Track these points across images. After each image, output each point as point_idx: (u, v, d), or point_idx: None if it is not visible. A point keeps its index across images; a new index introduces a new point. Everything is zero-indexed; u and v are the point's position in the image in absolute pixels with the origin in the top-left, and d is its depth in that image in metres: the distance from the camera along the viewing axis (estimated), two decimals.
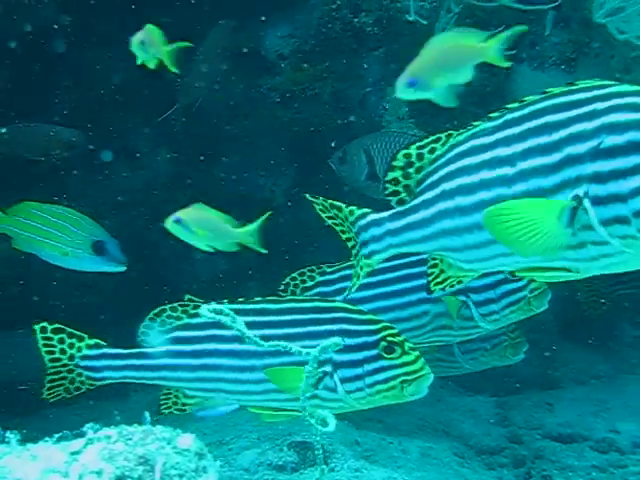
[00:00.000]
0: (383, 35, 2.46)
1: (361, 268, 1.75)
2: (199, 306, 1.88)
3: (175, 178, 2.76)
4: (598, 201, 1.23)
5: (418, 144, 1.59)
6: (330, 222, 1.80)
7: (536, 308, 2.19)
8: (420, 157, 1.58)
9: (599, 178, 1.22)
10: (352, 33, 2.49)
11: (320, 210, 1.81)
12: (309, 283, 2.19)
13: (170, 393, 1.99)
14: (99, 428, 1.01)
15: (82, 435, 1.01)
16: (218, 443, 2.34)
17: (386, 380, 1.84)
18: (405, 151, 1.59)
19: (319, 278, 2.20)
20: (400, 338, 1.85)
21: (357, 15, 2.43)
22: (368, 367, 1.84)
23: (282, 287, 2.17)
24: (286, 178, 3.01)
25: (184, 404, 1.99)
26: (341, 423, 2.53)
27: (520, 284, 2.17)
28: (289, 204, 3.03)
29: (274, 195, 3.04)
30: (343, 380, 1.86)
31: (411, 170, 1.60)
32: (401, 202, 1.62)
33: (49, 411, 2.89)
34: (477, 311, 2.17)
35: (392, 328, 1.88)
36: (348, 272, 2.16)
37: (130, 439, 0.99)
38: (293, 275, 2.19)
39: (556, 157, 1.29)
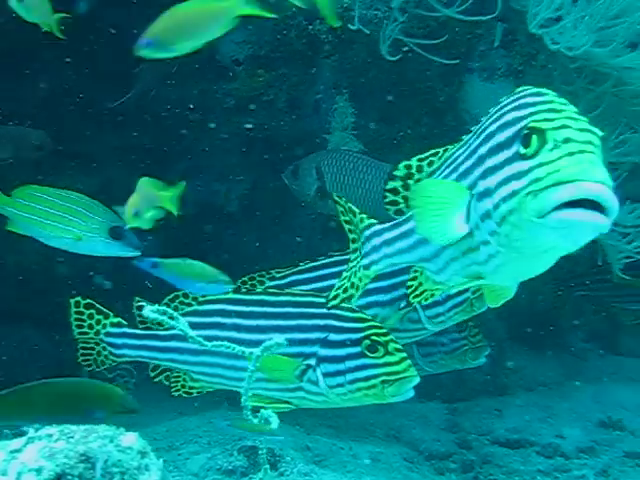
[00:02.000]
0: (338, 43, 2.49)
1: (360, 279, 1.76)
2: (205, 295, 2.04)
3: (127, 182, 2.74)
4: (479, 197, 1.28)
5: (419, 157, 1.64)
6: (347, 227, 1.82)
7: (477, 309, 2.27)
8: (420, 169, 1.63)
9: (484, 175, 1.28)
10: (307, 40, 2.51)
11: (341, 212, 1.82)
12: (258, 288, 2.22)
13: (179, 376, 2.12)
14: (40, 427, 1.00)
15: (23, 434, 1.00)
16: (168, 448, 2.33)
17: (367, 378, 1.88)
18: (406, 162, 1.64)
19: (268, 283, 2.24)
20: (385, 338, 1.90)
21: (312, 22, 2.45)
22: (350, 364, 1.89)
23: (230, 292, 2.21)
24: (241, 184, 3.02)
25: (191, 387, 2.12)
26: (292, 428, 2.55)
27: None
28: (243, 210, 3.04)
29: (229, 201, 3.04)
30: (325, 374, 1.91)
31: (411, 182, 1.63)
32: (399, 212, 1.67)
33: None
34: (424, 314, 2.23)
35: (379, 327, 1.93)
36: (296, 277, 2.22)
37: (72, 437, 0.98)
38: (243, 279, 2.23)
39: (484, 165, 1.33)
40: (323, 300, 1.97)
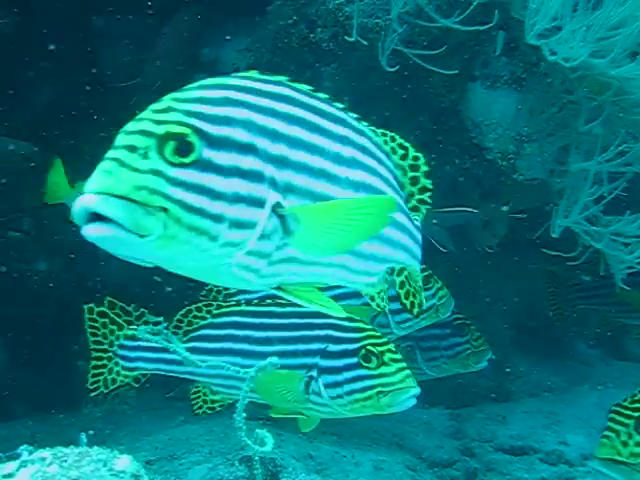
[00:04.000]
0: (339, 50, 2.48)
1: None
2: (221, 306, 2.04)
3: None
4: None
5: None
6: None
7: (442, 314, 2.32)
8: None
9: None
10: (308, 48, 2.50)
11: None
12: (232, 289, 2.23)
13: (199, 391, 2.12)
14: (34, 450, 1.00)
15: (16, 457, 1.00)
16: (169, 457, 2.32)
17: (363, 389, 1.88)
18: None
19: None
20: (381, 348, 1.88)
21: (313, 30, 2.44)
22: (347, 375, 1.89)
23: (204, 292, 2.22)
24: None
25: (212, 401, 2.12)
26: (294, 436, 2.54)
27: (430, 292, 2.31)
28: None
29: None
30: (327, 386, 1.91)
31: None
32: None
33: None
34: (393, 319, 2.26)
35: (376, 337, 1.91)
36: None
37: (65, 461, 0.98)
38: None
39: None
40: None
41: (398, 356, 1.90)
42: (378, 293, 1.48)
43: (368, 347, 1.88)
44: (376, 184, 1.33)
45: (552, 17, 1.79)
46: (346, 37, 1.96)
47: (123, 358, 2.07)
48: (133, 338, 2.06)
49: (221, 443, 2.38)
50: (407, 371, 1.88)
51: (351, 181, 1.25)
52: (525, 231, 2.77)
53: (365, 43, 2.01)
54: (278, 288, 1.19)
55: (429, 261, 2.39)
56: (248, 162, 1.08)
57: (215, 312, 2.04)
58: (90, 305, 2.07)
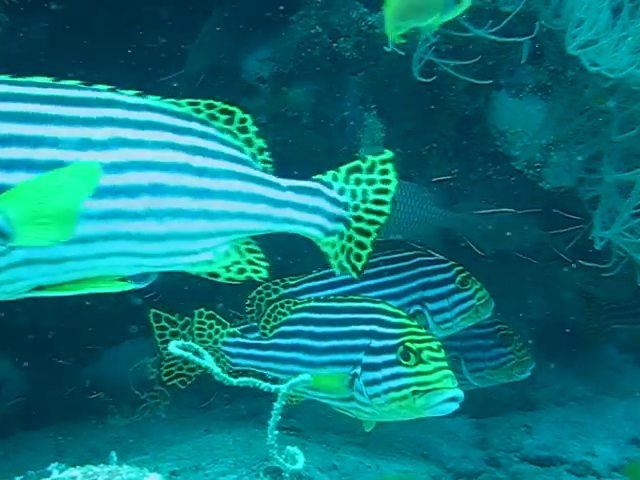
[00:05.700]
0: (362, 59, 2.48)
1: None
2: (297, 303, 2.08)
3: None
4: None
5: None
6: None
7: (482, 315, 2.29)
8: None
9: None
10: (331, 58, 2.50)
11: None
12: (273, 296, 2.26)
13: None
14: (64, 468, 0.99)
15: (46, 475, 1.00)
16: (194, 468, 2.32)
17: (399, 388, 1.81)
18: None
19: (282, 291, 2.27)
20: (419, 345, 1.81)
21: (336, 40, 2.45)
22: (385, 372, 1.84)
23: (248, 302, 2.26)
24: None
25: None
26: (318, 447, 2.53)
27: (469, 293, 2.28)
28: None
29: None
30: (366, 383, 1.87)
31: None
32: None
33: (24, 433, 2.87)
34: (432, 320, 2.24)
35: (417, 334, 1.85)
36: (310, 285, 2.27)
37: None
38: (259, 289, 2.28)
39: None
40: (374, 305, 1.97)
41: (440, 355, 1.81)
42: (227, 268, 1.38)
43: (407, 344, 1.82)
44: (172, 158, 1.26)
45: (596, 28, 1.75)
46: (385, 47, 1.93)
47: (227, 354, 2.15)
48: (234, 335, 2.15)
49: (245, 453, 2.37)
50: (446, 371, 1.78)
51: (106, 163, 1.16)
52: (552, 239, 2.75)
53: (402, 53, 1.98)
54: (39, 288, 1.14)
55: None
56: None
57: (293, 308, 2.08)
58: (200, 310, 2.17)
